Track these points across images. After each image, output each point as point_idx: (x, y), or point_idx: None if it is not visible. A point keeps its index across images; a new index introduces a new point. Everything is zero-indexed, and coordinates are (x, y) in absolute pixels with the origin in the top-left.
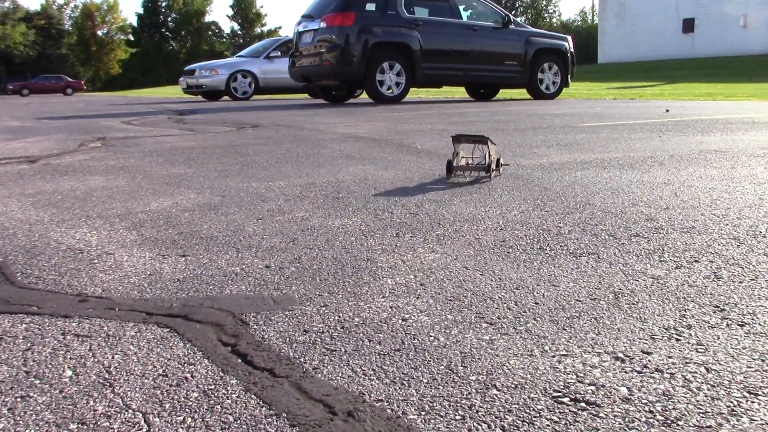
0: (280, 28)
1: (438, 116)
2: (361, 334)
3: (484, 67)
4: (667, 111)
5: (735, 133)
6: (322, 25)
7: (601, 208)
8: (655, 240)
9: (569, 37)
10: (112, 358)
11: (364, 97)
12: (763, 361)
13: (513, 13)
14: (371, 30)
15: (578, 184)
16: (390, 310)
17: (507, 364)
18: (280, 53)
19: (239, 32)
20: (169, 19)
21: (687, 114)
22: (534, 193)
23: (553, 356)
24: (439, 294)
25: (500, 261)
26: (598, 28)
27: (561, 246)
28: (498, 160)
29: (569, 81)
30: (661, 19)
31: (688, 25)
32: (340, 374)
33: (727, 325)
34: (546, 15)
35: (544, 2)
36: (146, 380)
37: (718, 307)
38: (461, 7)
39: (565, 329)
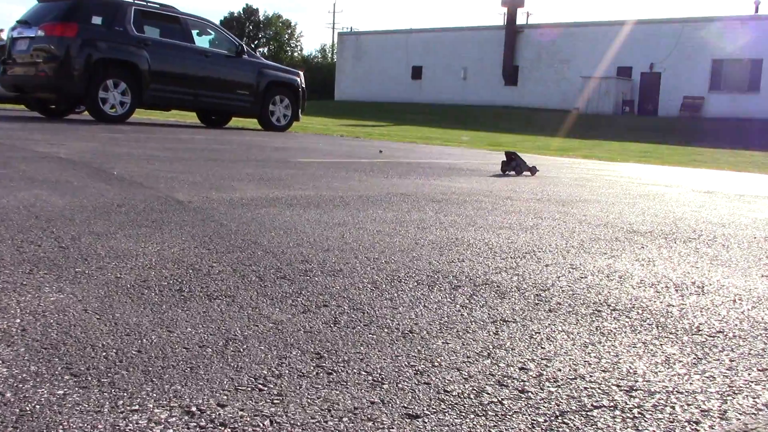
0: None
1: (157, 141)
2: None
3: (215, 94)
4: (381, 152)
5: (429, 178)
6: (40, 33)
7: (265, 248)
8: (299, 282)
9: (301, 72)
10: None
11: (88, 114)
12: (329, 411)
13: (255, 44)
14: (95, 44)
15: (256, 222)
16: None
17: (65, 423)
18: None
19: None
20: None
21: (397, 156)
22: (207, 229)
23: (122, 412)
24: (37, 341)
25: (128, 303)
26: (336, 66)
27: (201, 287)
28: (532, 167)
29: (300, 115)
30: (393, 63)
31: (417, 73)
32: None
33: (317, 373)
34: (288, 48)
35: (286, 36)
36: None
37: (318, 354)
38: (195, 32)
39: (152, 381)
